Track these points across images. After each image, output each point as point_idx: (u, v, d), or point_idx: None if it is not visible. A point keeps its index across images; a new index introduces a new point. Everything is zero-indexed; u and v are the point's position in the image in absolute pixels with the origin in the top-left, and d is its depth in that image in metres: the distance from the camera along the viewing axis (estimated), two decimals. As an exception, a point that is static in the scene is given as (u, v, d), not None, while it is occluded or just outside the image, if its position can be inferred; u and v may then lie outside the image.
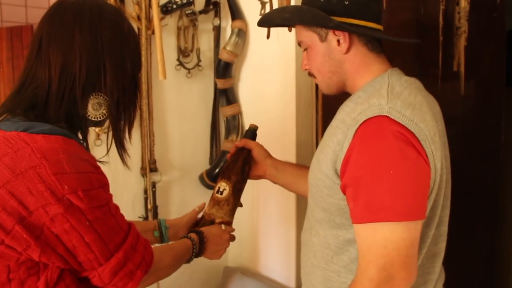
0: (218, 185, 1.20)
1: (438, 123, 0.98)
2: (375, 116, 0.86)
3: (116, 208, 0.82)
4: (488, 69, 1.85)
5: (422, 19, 1.72)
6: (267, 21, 1.10)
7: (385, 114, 0.86)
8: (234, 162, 1.23)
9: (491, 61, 1.85)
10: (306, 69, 1.07)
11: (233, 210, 1.21)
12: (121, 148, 0.92)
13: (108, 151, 0.91)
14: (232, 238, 1.19)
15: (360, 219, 0.86)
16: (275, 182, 1.31)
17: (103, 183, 0.80)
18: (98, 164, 0.83)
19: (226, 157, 1.29)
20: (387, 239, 0.83)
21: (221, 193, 1.19)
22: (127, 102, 0.88)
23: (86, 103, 0.83)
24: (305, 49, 1.05)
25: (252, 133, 1.30)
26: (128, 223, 0.84)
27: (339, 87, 1.04)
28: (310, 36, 1.01)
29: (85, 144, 0.89)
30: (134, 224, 0.86)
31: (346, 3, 0.96)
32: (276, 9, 1.11)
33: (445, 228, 1.03)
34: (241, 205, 1.25)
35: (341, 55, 0.99)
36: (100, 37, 0.82)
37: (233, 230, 1.19)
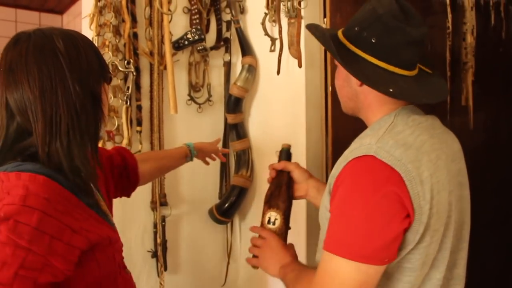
0: (268, 215, 1.18)
1: (454, 162, 0.99)
2: (362, 156, 0.90)
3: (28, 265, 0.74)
4: (496, 103, 1.86)
5: (430, 55, 1.74)
6: (310, 28, 1.10)
7: (372, 154, 0.89)
8: (279, 188, 1.20)
9: (498, 95, 1.87)
10: None
11: (286, 238, 1.18)
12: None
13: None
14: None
15: (324, 246, 0.91)
16: (314, 203, 1.29)
17: (53, 228, 0.77)
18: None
19: (267, 181, 1.26)
20: (337, 273, 0.87)
21: (274, 223, 1.17)
22: (82, 126, 0.87)
23: None
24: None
25: (286, 153, 1.27)
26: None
27: (354, 112, 1.09)
28: None
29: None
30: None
31: (373, 40, 0.98)
32: (314, 25, 1.12)
33: (459, 271, 1.01)
34: (290, 228, 1.23)
35: (356, 86, 1.03)
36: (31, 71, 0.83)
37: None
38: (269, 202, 1.19)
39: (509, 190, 1.93)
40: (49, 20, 2.82)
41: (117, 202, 1.65)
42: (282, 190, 1.20)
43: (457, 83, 1.80)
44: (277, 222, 1.17)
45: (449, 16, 1.78)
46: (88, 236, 0.83)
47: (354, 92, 1.04)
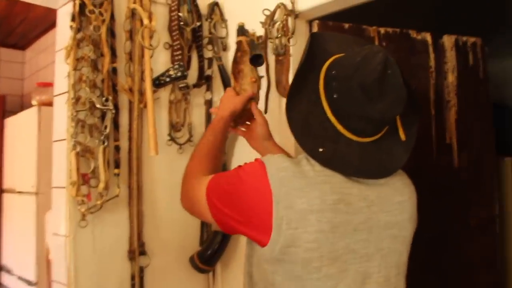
0: None
1: (386, 214, 1.01)
2: (260, 159, 1.01)
3: None
4: (479, 141, 1.87)
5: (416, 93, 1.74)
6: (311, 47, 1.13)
7: (264, 161, 0.99)
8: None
9: (481, 133, 1.88)
10: None
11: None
12: None
13: None
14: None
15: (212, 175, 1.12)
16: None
17: None
18: None
19: None
20: (200, 193, 1.08)
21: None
22: None
23: None
24: None
25: (242, 29, 1.57)
26: None
27: None
28: None
29: None
30: None
31: (335, 96, 0.98)
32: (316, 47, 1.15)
33: None
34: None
35: None
36: None
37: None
38: None
39: (493, 226, 1.92)
40: (10, 56, 2.65)
41: (92, 253, 1.49)
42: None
43: (442, 121, 1.80)
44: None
45: (431, 56, 1.79)
46: None
47: None
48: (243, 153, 1.77)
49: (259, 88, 1.67)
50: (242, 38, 1.53)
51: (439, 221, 1.74)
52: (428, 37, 1.79)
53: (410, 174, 1.13)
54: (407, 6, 2.26)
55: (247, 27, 1.64)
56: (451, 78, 1.83)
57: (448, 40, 1.83)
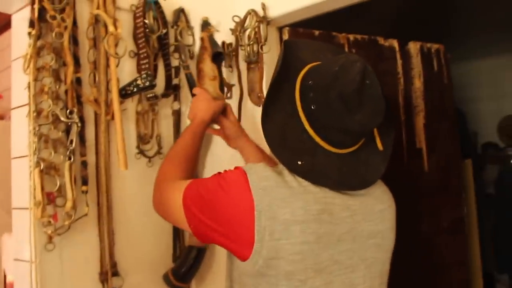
0: None
1: (369, 223, 0.99)
2: (242, 167, 0.98)
3: None
4: (446, 144, 1.91)
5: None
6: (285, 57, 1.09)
7: (245, 170, 0.95)
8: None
9: (447, 136, 1.92)
10: None
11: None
12: None
13: None
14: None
15: (191, 180, 1.06)
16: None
17: None
18: None
19: None
20: (176, 198, 1.03)
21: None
22: None
23: None
24: None
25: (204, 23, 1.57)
26: None
27: None
28: None
29: None
30: None
31: (312, 107, 0.96)
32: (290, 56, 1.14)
33: None
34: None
35: None
36: None
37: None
38: None
39: (462, 227, 1.96)
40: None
41: (60, 277, 1.38)
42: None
43: (411, 126, 1.82)
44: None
45: (399, 62, 1.82)
46: None
47: None
48: (215, 158, 1.72)
49: (229, 89, 1.63)
50: (203, 34, 1.49)
51: (411, 223, 1.75)
52: (395, 43, 1.81)
53: (383, 179, 1.13)
54: (372, 14, 2.29)
55: (215, 34, 1.60)
56: (418, 83, 1.86)
57: (413, 47, 1.86)
